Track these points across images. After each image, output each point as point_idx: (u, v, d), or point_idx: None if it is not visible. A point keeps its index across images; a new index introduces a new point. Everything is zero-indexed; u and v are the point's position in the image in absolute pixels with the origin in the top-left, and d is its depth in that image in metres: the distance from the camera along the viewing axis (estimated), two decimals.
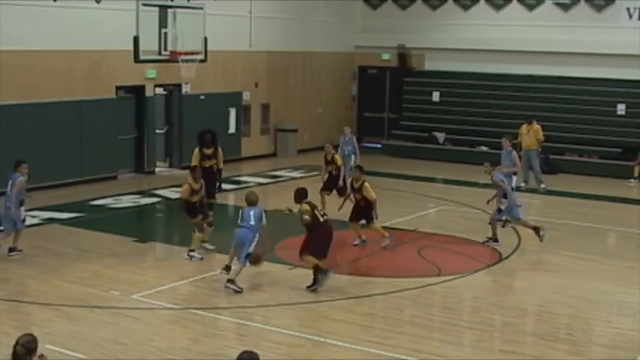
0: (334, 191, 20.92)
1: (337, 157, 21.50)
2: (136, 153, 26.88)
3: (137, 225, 21.63)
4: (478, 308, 14.65)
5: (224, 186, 20.91)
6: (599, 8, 31.11)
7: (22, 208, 17.01)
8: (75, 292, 14.82)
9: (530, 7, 32.41)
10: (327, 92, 34.35)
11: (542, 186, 25.47)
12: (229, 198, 23.03)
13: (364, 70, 35.93)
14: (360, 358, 12.10)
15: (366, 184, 18.30)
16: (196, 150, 19.10)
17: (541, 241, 18.43)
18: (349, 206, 18.90)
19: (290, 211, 16.11)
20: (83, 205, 22.00)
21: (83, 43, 24.21)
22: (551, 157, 28.70)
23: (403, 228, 19.75)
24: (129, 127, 26.52)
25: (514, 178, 20.41)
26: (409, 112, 33.92)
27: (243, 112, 30.19)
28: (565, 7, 31.73)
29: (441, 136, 31.90)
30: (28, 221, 18.68)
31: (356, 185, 18.44)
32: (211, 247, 17.57)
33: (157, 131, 27.71)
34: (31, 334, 7.98)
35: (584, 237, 19.79)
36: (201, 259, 17.00)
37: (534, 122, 25.70)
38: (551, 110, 30.74)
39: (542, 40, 31.35)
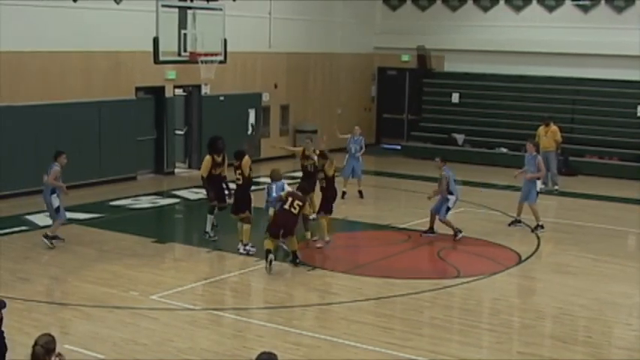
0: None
1: (314, 155, 20.20)
2: (155, 154, 26.96)
3: (156, 226, 21.68)
4: (497, 310, 14.62)
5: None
6: (619, 9, 30.97)
7: (55, 196, 17.59)
8: (94, 292, 14.87)
9: (550, 9, 32.29)
10: (346, 93, 34.33)
11: (556, 187, 25.36)
12: None
13: (383, 71, 35.90)
14: (378, 359, 12.12)
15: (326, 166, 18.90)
16: (208, 157, 18.55)
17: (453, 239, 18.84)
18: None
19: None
20: (103, 206, 22.08)
21: (103, 44, 24.32)
22: (571, 158, 28.60)
23: (423, 229, 19.68)
24: (148, 128, 26.60)
25: (538, 182, 20.24)
26: (428, 113, 33.87)
27: (263, 113, 30.21)
28: (585, 9, 31.60)
29: (460, 137, 31.83)
30: (47, 221, 18.80)
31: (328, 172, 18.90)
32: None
33: (177, 132, 27.79)
34: (50, 335, 8.00)
35: (602, 239, 19.68)
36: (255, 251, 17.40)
37: (552, 123, 25.57)
38: (570, 112, 30.65)
39: (561, 41, 31.22)
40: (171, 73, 26.22)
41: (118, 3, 24.52)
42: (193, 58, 21.29)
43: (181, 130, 28.19)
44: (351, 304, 14.53)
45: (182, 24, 21.00)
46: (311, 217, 19.06)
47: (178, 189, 24.73)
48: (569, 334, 13.33)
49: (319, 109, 32.98)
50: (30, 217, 20.27)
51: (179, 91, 27.67)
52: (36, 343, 7.83)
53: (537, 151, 20.62)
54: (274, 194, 17.18)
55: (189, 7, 21.26)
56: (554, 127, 25.48)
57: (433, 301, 14.90)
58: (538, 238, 19.39)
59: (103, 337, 12.58)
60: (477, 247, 18.75)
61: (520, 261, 17.63)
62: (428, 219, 19.34)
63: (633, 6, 30.69)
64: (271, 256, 16.18)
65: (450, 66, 34.28)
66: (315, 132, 31.69)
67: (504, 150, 30.69)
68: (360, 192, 23.58)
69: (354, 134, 24.14)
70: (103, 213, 21.31)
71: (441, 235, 19.15)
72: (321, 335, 12.84)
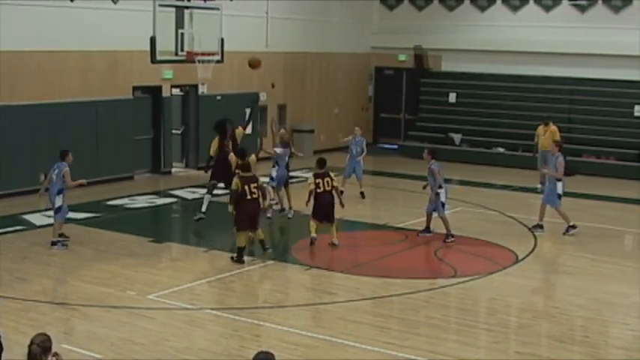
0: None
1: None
2: (152, 153, 26.95)
3: (153, 225, 21.68)
4: (494, 310, 14.61)
5: None
6: (616, 9, 30.98)
7: (60, 196, 17.58)
8: (91, 292, 14.86)
9: (547, 9, 32.30)
10: (343, 93, 34.33)
11: None
12: None
13: (381, 71, 35.91)
14: (376, 359, 12.09)
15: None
16: (217, 139, 20.01)
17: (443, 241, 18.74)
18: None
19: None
20: (99, 205, 22.07)
21: (100, 43, 24.30)
22: (569, 158, 28.50)
23: (420, 229, 19.68)
24: (145, 128, 26.59)
25: (559, 185, 19.96)
26: (425, 113, 33.89)
27: (260, 113, 30.19)
28: (582, 8, 31.62)
29: (457, 137, 31.84)
30: (44, 221, 18.83)
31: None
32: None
33: (174, 132, 27.77)
34: (46, 334, 7.99)
35: (600, 239, 19.68)
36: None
37: (551, 123, 25.57)
38: (568, 112, 30.67)
39: (559, 41, 31.23)
40: (168, 72, 26.21)
41: (115, 3, 24.50)
42: (190, 58, 21.28)
43: (178, 129, 28.17)
44: (349, 303, 14.53)
45: (179, 23, 21.00)
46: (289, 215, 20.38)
47: (175, 188, 24.71)
48: (567, 334, 13.33)
49: (316, 108, 32.99)
50: (27, 217, 20.25)
51: (176, 91, 27.67)
52: (32, 342, 7.82)
53: (560, 150, 20.45)
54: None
55: (187, 7, 21.26)
56: (553, 127, 25.45)
57: (430, 300, 14.89)
58: (535, 237, 19.40)
59: (100, 337, 12.57)
60: (474, 246, 18.75)
61: (517, 260, 17.62)
62: (425, 219, 19.33)
63: (630, 6, 30.71)
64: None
65: (447, 66, 34.30)
66: (312, 131, 31.79)
67: (502, 150, 30.72)
68: (362, 193, 23.55)
69: (355, 135, 24.13)
70: (99, 212, 21.30)
71: (437, 235, 19.14)
72: (319, 335, 12.83)
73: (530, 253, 18.26)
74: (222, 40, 21.75)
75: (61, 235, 17.86)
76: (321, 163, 18.58)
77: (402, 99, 35.68)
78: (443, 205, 18.86)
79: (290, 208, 20.78)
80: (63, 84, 23.67)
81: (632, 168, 28.19)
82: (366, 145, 24.16)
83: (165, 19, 20.45)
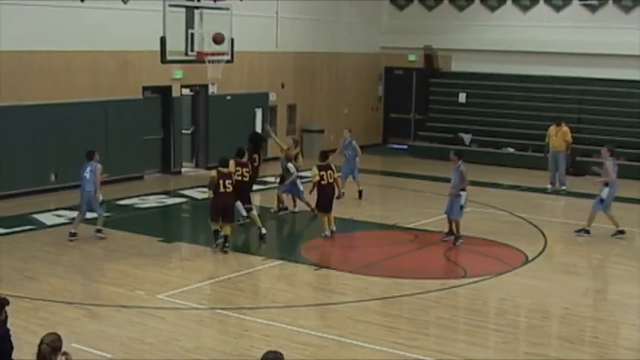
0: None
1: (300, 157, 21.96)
2: (162, 153, 27.00)
3: (163, 225, 21.70)
4: (504, 310, 14.60)
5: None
6: (627, 9, 30.91)
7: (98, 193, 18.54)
8: (101, 291, 14.90)
9: (558, 9, 32.24)
10: (353, 93, 34.33)
11: (564, 188, 25.31)
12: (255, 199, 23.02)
13: (390, 71, 35.90)
14: (385, 359, 12.09)
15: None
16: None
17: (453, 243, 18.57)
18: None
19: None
20: (109, 205, 21.99)
21: (110, 43, 24.35)
22: (579, 159, 28.51)
23: (429, 229, 19.68)
24: (155, 128, 26.64)
25: (605, 190, 19.87)
26: (435, 113, 33.86)
27: (270, 113, 30.22)
28: (592, 8, 31.56)
29: (467, 137, 31.81)
30: (54, 220, 18.87)
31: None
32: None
33: (184, 132, 27.81)
34: (56, 333, 8.01)
35: (610, 240, 19.64)
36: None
37: (563, 124, 25.53)
38: (577, 112, 30.60)
39: (569, 41, 31.17)
40: (178, 72, 26.25)
41: (125, 2, 24.54)
42: (200, 58, 21.30)
43: (188, 129, 28.21)
44: (358, 303, 14.53)
45: (189, 24, 21.01)
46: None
47: (185, 188, 24.75)
48: (576, 335, 13.31)
49: (326, 108, 32.99)
50: (37, 216, 20.34)
51: (186, 91, 27.70)
52: (42, 342, 7.84)
53: (611, 155, 20.36)
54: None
55: (197, 7, 21.26)
56: (565, 128, 25.41)
57: (439, 301, 14.88)
58: (545, 237, 19.36)
59: (110, 336, 12.60)
60: (484, 247, 18.73)
61: (527, 261, 17.60)
62: (434, 219, 19.31)
63: None
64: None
65: (457, 66, 34.26)
66: (322, 131, 31.77)
67: (511, 150, 30.68)
68: (359, 192, 23.45)
69: (344, 138, 23.97)
70: (109, 212, 21.28)
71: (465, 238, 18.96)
72: (327, 335, 12.84)
73: (540, 253, 18.23)
74: (232, 40, 21.76)
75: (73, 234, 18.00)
76: (324, 156, 19.32)
77: (412, 99, 35.67)
78: (461, 207, 18.67)
79: (312, 209, 20.45)
80: (73, 84, 23.72)
81: None
82: (375, 145, 24.13)
83: (175, 19, 20.47)
